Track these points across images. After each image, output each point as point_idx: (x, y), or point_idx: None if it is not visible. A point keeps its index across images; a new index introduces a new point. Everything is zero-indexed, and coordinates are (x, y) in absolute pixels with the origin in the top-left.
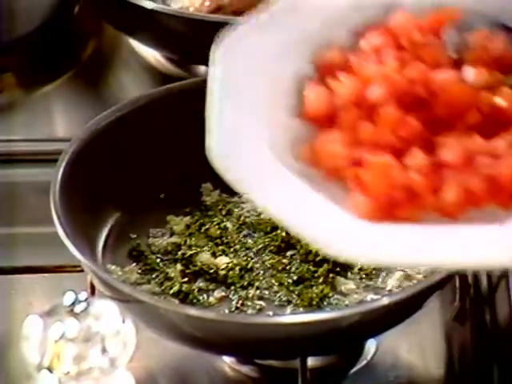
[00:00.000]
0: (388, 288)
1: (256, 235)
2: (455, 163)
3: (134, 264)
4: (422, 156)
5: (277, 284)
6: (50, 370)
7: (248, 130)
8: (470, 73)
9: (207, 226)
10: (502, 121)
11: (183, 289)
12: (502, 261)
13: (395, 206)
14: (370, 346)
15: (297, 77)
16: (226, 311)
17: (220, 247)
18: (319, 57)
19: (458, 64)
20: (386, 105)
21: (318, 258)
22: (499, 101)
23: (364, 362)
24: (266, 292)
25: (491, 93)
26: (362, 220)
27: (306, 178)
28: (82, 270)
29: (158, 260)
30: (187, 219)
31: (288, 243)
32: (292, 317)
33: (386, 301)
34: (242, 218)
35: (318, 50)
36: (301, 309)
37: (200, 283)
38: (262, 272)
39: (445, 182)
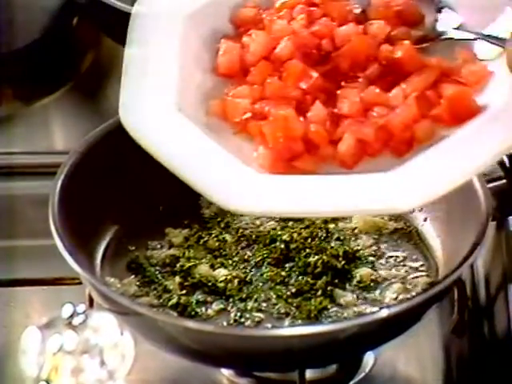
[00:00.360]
0: (386, 300)
1: (254, 247)
2: (352, 114)
3: (133, 276)
4: (321, 108)
5: (275, 296)
6: (47, 382)
7: (159, 87)
8: (372, 26)
9: (206, 239)
10: (401, 73)
11: (182, 301)
12: (390, 206)
13: (295, 158)
14: (369, 358)
15: (215, 34)
16: (225, 324)
17: (218, 259)
18: (236, 14)
19: (363, 20)
20: (292, 59)
21: (316, 271)
22: (397, 53)
23: (362, 375)
24: (265, 304)
25: (392, 46)
26: (263, 172)
27: (215, 133)
28: (80, 283)
29: (157, 272)
30: (186, 231)
31: (287, 256)
32: (290, 329)
33: (384, 313)
34: (241, 231)
35: (235, 9)
36: (299, 321)
37: (198, 295)
38: (260, 284)
39: (342, 133)
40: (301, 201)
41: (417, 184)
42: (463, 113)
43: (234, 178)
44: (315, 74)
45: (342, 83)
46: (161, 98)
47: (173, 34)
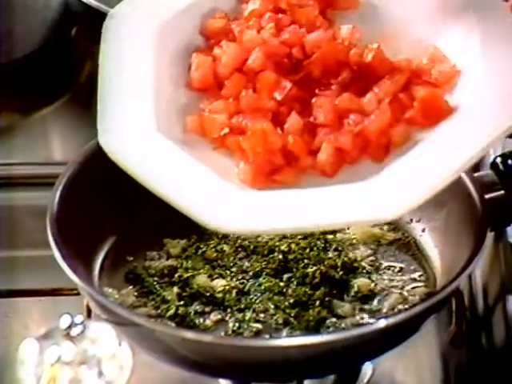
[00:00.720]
0: (384, 311)
1: (253, 258)
2: (327, 123)
3: (131, 287)
4: (298, 119)
5: (273, 307)
6: None
7: (133, 105)
8: (341, 31)
9: (204, 249)
10: (373, 76)
11: (179, 312)
12: (374, 216)
13: (276, 171)
14: (367, 369)
15: (186, 47)
16: (223, 334)
17: (217, 270)
18: (206, 26)
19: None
20: (264, 69)
21: (314, 281)
22: (368, 57)
23: None
24: (263, 315)
25: (361, 50)
26: (244, 188)
27: (193, 150)
28: (78, 293)
29: (155, 283)
30: (184, 242)
31: (285, 266)
32: (289, 340)
33: (382, 324)
34: (239, 241)
35: (205, 20)
36: (297, 331)
37: (196, 306)
38: (258, 295)
39: (320, 142)
40: (284, 217)
41: (398, 192)
42: (436, 114)
43: (217, 196)
44: (289, 85)
45: (316, 91)
46: (137, 118)
47: (144, 50)
